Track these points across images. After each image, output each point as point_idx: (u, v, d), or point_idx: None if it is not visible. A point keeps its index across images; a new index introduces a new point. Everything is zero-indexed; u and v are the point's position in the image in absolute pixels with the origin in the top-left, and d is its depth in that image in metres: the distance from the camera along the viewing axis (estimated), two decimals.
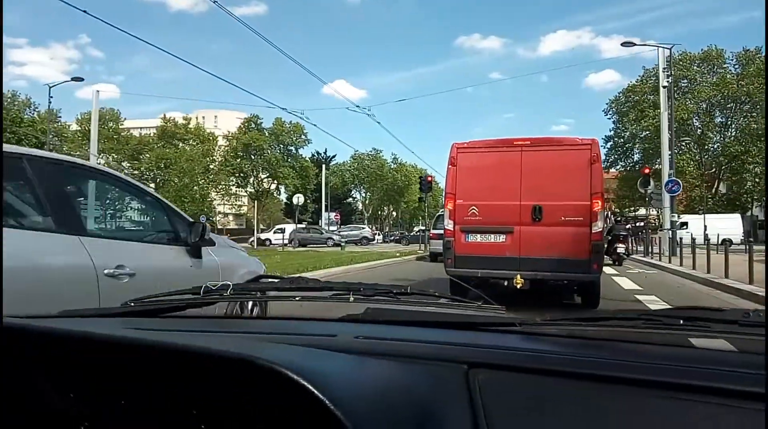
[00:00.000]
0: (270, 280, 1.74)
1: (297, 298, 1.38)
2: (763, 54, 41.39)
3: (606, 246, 13.71)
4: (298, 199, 31.20)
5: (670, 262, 15.74)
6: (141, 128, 62.54)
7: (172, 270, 3.68)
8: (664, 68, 20.12)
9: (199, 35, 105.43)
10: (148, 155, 53.89)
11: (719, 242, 13.75)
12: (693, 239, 14.37)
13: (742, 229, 29.25)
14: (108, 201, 3.96)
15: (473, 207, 7.51)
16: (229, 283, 1.41)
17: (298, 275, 1.82)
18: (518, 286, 7.10)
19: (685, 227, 20.56)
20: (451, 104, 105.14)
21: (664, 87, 20.12)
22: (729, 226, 29.36)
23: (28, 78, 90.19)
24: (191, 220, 3.95)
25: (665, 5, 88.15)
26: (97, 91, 27.01)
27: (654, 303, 7.99)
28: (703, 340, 1.02)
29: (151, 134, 58.06)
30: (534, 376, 0.82)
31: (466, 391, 0.77)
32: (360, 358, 0.86)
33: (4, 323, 0.82)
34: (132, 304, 1.40)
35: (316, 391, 0.62)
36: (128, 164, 55.25)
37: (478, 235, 7.52)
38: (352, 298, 1.33)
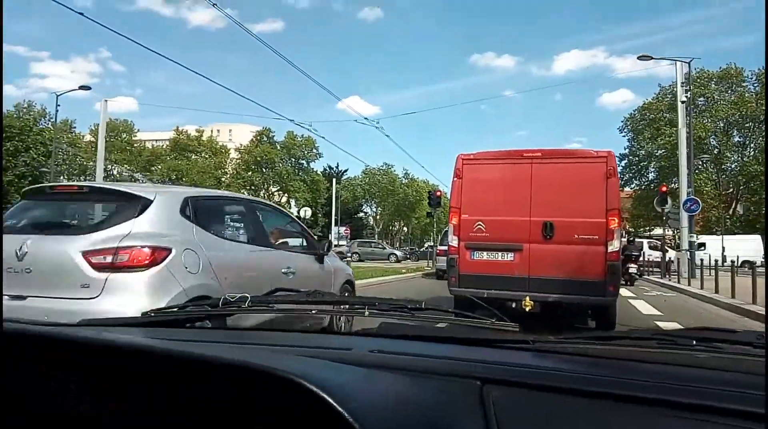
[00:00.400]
0: (287, 292, 1.73)
1: (313, 312, 1.44)
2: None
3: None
4: (305, 212, 30.79)
5: (689, 284, 15.01)
6: (156, 140, 62.69)
7: (311, 270, 5.54)
8: (683, 83, 19.47)
9: (217, 51, 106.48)
10: (160, 167, 54.04)
11: (739, 264, 12.97)
12: (715, 261, 13.67)
13: (763, 251, 28.24)
14: (270, 222, 5.74)
15: (479, 222, 6.96)
16: (247, 295, 1.45)
17: (314, 289, 1.73)
18: (527, 309, 6.51)
19: (702, 248, 19.78)
20: (464, 120, 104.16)
21: (682, 102, 19.46)
22: (749, 247, 28.39)
23: (48, 90, 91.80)
24: (317, 237, 5.64)
25: (679, 26, 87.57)
26: (105, 100, 26.87)
27: None
28: (716, 360, 1.00)
29: (164, 146, 58.28)
30: (547, 394, 0.82)
31: (480, 407, 0.78)
32: (375, 372, 0.88)
33: (23, 330, 0.90)
34: (152, 314, 1.44)
35: (334, 403, 0.64)
36: (141, 175, 55.56)
37: (485, 253, 6.96)
38: (367, 313, 1.35)
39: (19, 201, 4.72)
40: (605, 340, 1.12)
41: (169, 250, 3.78)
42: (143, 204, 3.93)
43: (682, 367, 0.98)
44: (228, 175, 56.18)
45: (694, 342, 1.04)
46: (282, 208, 6.19)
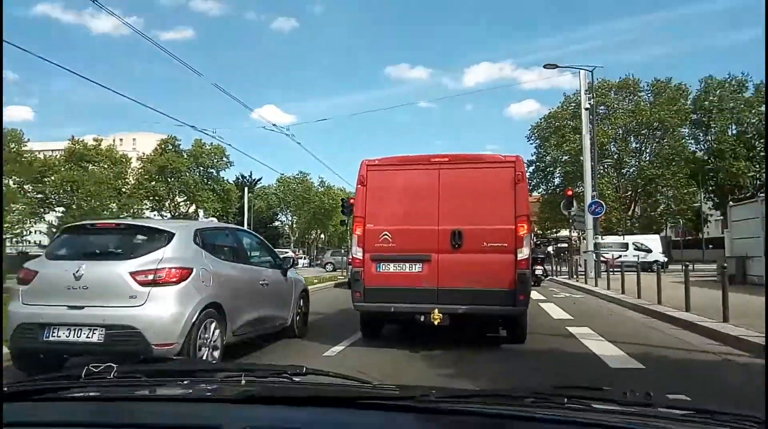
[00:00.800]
0: (163, 360, 1.44)
1: (185, 382, 1.35)
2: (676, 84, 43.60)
3: None
4: (211, 222, 29.31)
5: (596, 285, 15.27)
6: (52, 151, 58.12)
7: (279, 282, 6.96)
8: (586, 90, 20.06)
9: (124, 59, 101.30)
10: (53, 178, 50.16)
11: (639, 262, 13.35)
12: (621, 262, 13.91)
13: (661, 249, 29.75)
14: (249, 245, 7.01)
15: (385, 232, 6.46)
16: (113, 365, 1.38)
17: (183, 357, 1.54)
18: (436, 323, 6.06)
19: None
20: (382, 130, 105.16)
21: (586, 109, 20.03)
22: (651, 247, 29.79)
23: None
24: (280, 255, 7.72)
25: (582, 40, 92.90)
26: None
27: (590, 338, 7.13)
28: (585, 417, 1.05)
29: (57, 157, 54.20)
30: None
31: None
32: None
33: None
34: (6, 388, 1.31)
35: None
36: (31, 187, 51.31)
37: (391, 265, 6.46)
38: (243, 381, 1.30)
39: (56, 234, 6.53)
40: (485, 398, 1.15)
41: (191, 270, 5.24)
42: (168, 236, 5.36)
43: (553, 424, 1.03)
44: (129, 186, 52.97)
45: (566, 400, 1.09)
46: (255, 233, 7.97)
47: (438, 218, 6.30)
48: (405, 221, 6.43)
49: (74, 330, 4.87)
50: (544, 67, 21.65)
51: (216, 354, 5.36)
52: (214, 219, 32.07)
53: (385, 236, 6.44)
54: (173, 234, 5.37)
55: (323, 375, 1.38)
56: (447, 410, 1.08)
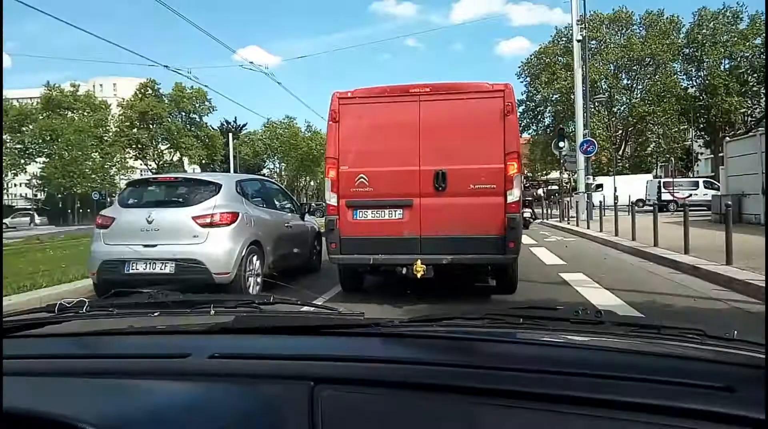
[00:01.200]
0: (132, 292, 1.63)
1: (156, 313, 1.37)
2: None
3: None
4: (193, 170, 28.53)
5: (588, 227, 14.83)
6: (30, 98, 55.99)
7: (299, 225, 8.10)
8: (578, 20, 19.01)
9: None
10: (31, 127, 48.63)
11: (631, 203, 12.79)
12: (614, 202, 13.42)
13: (645, 189, 29.28)
14: (275, 193, 8.39)
15: (361, 175, 5.81)
16: (85, 300, 1.40)
17: (157, 290, 1.53)
18: (418, 275, 5.52)
19: (600, 189, 19.90)
20: (367, 70, 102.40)
21: (578, 40, 19.06)
22: (640, 186, 29.43)
23: None
24: (299, 203, 9.80)
25: None
26: None
27: (585, 285, 6.66)
28: (538, 336, 1.09)
29: (34, 104, 52.37)
30: (379, 389, 0.84)
31: (309, 411, 0.78)
32: (205, 387, 0.89)
33: None
34: None
35: None
36: (9, 137, 49.78)
37: (369, 212, 5.85)
38: (213, 312, 1.33)
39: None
40: (443, 321, 1.17)
41: (238, 214, 6.30)
42: (217, 186, 6.45)
43: (506, 343, 1.07)
44: (111, 133, 51.47)
45: (521, 320, 1.14)
46: (278, 183, 9.16)
47: (419, 158, 5.65)
48: (383, 162, 5.77)
49: (150, 263, 6.02)
50: None
51: (259, 280, 6.53)
52: (197, 167, 31.41)
53: (362, 179, 5.79)
54: (221, 185, 6.54)
55: (291, 304, 1.40)
56: (408, 334, 1.12)
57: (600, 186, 20.51)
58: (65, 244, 16.51)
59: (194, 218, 6.07)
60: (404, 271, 5.65)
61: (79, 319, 1.36)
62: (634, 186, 28.68)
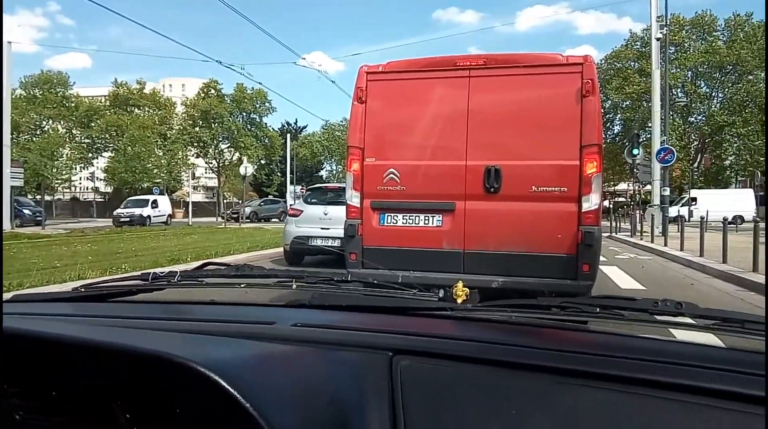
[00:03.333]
0: (217, 267, 1.65)
1: (242, 286, 1.43)
2: (763, 21, 39.05)
3: None
4: (246, 169, 28.11)
5: (666, 244, 13.07)
6: (102, 97, 57.78)
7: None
8: (658, 17, 17.17)
9: (178, 6, 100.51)
10: (99, 122, 49.92)
11: (724, 220, 10.64)
12: (701, 218, 11.61)
13: (755, 205, 26.30)
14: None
15: (391, 170, 4.67)
16: (176, 270, 1.47)
17: (244, 263, 1.82)
18: (459, 301, 4.24)
19: (694, 203, 17.84)
20: None
21: (657, 39, 17.21)
22: (739, 201, 26.56)
23: None
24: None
25: None
26: (9, 42, 23.18)
27: (671, 329, 5.22)
28: (617, 326, 1.07)
29: (102, 100, 53.90)
30: (454, 363, 0.86)
31: (388, 378, 0.81)
32: (290, 348, 0.91)
33: None
34: (83, 289, 1.44)
35: (223, 383, 0.67)
36: (79, 132, 51.36)
37: (399, 216, 4.69)
38: (294, 286, 1.38)
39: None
40: (519, 307, 1.17)
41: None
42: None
43: (585, 333, 1.05)
44: (174, 131, 52.27)
45: (598, 309, 1.11)
46: (340, 185, 10.29)
47: (466, 150, 4.46)
48: (419, 154, 4.63)
49: (324, 240, 9.07)
50: None
51: None
52: (249, 166, 31.46)
53: (392, 176, 4.65)
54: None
55: (368, 283, 1.43)
56: (484, 318, 1.14)
57: (694, 199, 18.36)
58: (104, 237, 16.13)
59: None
60: (441, 293, 4.44)
61: (171, 288, 1.46)
62: (725, 200, 26.05)
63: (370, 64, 4.81)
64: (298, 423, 0.68)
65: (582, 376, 0.79)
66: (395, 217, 4.68)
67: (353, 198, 4.76)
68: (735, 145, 41.14)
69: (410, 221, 4.63)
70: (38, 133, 50.12)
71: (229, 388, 0.66)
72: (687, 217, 12.51)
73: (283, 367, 0.82)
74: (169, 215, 34.67)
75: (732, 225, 10.95)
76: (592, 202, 4.24)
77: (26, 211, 27.69)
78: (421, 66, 4.72)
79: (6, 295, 1.37)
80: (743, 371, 0.77)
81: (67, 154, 49.52)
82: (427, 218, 4.59)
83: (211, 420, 0.72)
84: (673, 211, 21.90)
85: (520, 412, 0.75)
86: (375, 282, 1.44)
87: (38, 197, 42.24)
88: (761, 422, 0.67)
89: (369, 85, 4.71)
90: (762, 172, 43.51)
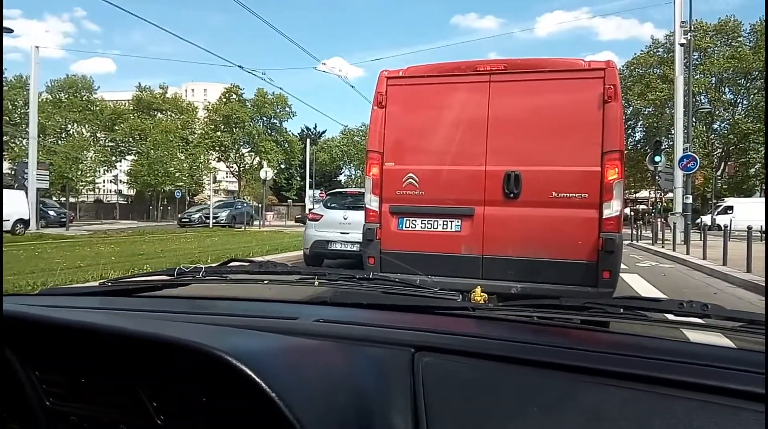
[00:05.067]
0: (241, 263, 1.67)
1: (265, 282, 1.44)
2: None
3: None
4: (266, 173, 28.31)
5: (688, 253, 12.89)
6: (126, 101, 58.71)
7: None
8: (682, 22, 16.98)
9: (199, 10, 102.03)
10: (122, 125, 50.72)
11: (748, 228, 10.31)
12: (724, 226, 11.45)
13: None
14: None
15: (410, 175, 4.70)
16: (201, 266, 1.49)
17: (267, 259, 2.05)
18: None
19: (730, 212, 17.51)
20: None
21: (681, 44, 17.00)
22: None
23: (22, 51, 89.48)
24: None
25: None
26: (37, 47, 23.68)
27: (698, 329, 5.15)
28: (640, 327, 1.07)
29: (125, 104, 54.73)
30: (476, 360, 0.86)
31: (410, 374, 0.82)
32: (313, 342, 0.92)
33: None
34: (109, 283, 1.49)
35: (250, 373, 0.68)
36: (103, 135, 52.21)
37: (418, 221, 4.71)
38: (317, 283, 1.39)
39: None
40: (541, 307, 1.16)
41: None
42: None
43: (608, 333, 1.04)
44: (196, 135, 52.89)
45: (622, 310, 1.10)
46: (359, 190, 10.06)
47: (486, 155, 4.47)
48: (438, 159, 4.64)
49: (344, 244, 9.17)
50: None
51: None
52: (269, 170, 31.90)
53: (410, 180, 4.67)
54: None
55: (389, 281, 1.43)
56: (504, 318, 1.13)
57: (730, 208, 17.98)
58: (126, 238, 16.36)
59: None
60: (459, 298, 4.44)
61: (196, 283, 1.46)
62: (757, 209, 25.56)
63: (391, 69, 4.86)
64: (322, 415, 0.69)
65: (605, 375, 0.79)
66: (414, 222, 4.70)
67: (372, 202, 4.80)
68: (761, 153, 40.38)
69: (429, 226, 4.65)
70: (63, 136, 51.11)
71: (255, 377, 0.67)
72: (729, 227, 12.13)
73: (307, 360, 0.83)
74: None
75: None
76: (613, 208, 4.21)
77: (51, 213, 28.17)
78: (441, 71, 4.76)
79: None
80: None
81: (91, 157, 50.40)
82: (445, 223, 4.60)
83: (236, 409, 0.73)
84: (707, 220, 21.45)
85: (542, 409, 0.74)
86: (396, 280, 1.44)
87: (63, 199, 43.08)
88: None
89: (389, 90, 4.75)
90: None
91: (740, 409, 0.70)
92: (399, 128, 4.73)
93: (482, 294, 4.00)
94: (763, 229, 14.61)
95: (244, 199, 55.70)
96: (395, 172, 4.71)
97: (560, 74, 4.47)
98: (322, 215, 9.84)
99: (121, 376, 0.82)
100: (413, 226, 4.70)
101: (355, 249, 8.58)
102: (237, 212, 31.02)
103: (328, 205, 10.18)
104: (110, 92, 65.90)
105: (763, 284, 7.64)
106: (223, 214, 30.40)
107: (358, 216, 9.14)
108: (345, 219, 9.27)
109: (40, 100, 47.27)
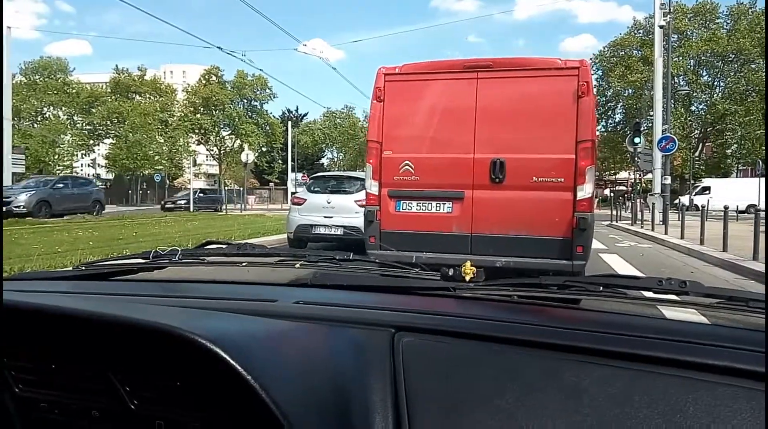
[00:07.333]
0: (218, 245, 1.66)
1: (244, 264, 1.43)
2: (761, 9, 39.00)
3: None
4: (247, 156, 28.24)
5: (666, 233, 13.27)
6: (103, 83, 57.72)
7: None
8: (662, 4, 17.24)
9: None
10: (100, 108, 49.97)
11: (724, 208, 10.52)
12: (701, 206, 11.80)
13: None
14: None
15: (406, 162, 5.17)
16: (178, 248, 1.47)
17: (245, 241, 1.92)
18: (467, 278, 4.46)
19: (707, 193, 17.96)
20: None
21: (660, 27, 17.30)
22: (751, 190, 26.71)
23: None
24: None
25: None
26: (9, 27, 23.22)
27: (673, 307, 5.40)
28: (618, 305, 1.08)
29: (103, 86, 53.86)
30: (456, 339, 0.87)
31: (390, 354, 0.82)
32: (292, 324, 0.92)
33: None
34: (83, 268, 1.47)
35: (225, 356, 0.68)
36: (80, 118, 51.42)
37: (414, 203, 5.14)
38: (298, 265, 1.40)
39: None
40: (521, 286, 1.16)
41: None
42: (362, 181, 8.06)
43: (587, 311, 1.07)
44: (175, 118, 52.28)
45: (601, 288, 1.09)
46: (350, 174, 10.87)
47: (474, 144, 4.94)
48: (432, 148, 5.11)
49: (327, 228, 9.16)
50: None
51: None
52: (250, 153, 31.62)
53: (407, 167, 5.15)
54: (362, 179, 8.19)
55: (369, 262, 1.44)
56: (485, 297, 1.14)
57: (707, 189, 18.50)
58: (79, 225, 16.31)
59: (356, 201, 8.72)
60: (450, 272, 4.68)
61: (172, 266, 1.45)
62: (738, 189, 26.21)
63: (388, 66, 5.30)
64: (299, 397, 0.70)
65: (584, 353, 0.80)
66: (410, 204, 5.16)
67: (372, 187, 5.29)
68: (737, 134, 41.19)
69: (423, 208, 5.13)
70: (39, 119, 50.27)
71: (231, 361, 0.67)
72: (706, 207, 12.47)
73: (286, 342, 0.83)
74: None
75: (745, 214, 11.08)
76: (585, 191, 4.74)
77: None
78: (434, 68, 5.24)
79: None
80: (746, 348, 0.78)
81: (68, 141, 49.71)
82: (438, 205, 5.09)
83: (211, 392, 0.74)
84: (685, 200, 21.85)
85: (522, 388, 0.75)
86: (377, 261, 1.46)
87: None
88: (762, 398, 0.69)
89: (386, 86, 5.20)
90: (764, 160, 43.67)
91: (717, 384, 0.72)
92: (396, 120, 5.16)
93: (471, 267, 4.26)
94: (739, 209, 15.02)
95: (225, 182, 55.50)
96: (393, 160, 5.16)
97: (540, 72, 4.96)
98: (305, 199, 9.73)
99: (93, 361, 0.82)
100: (409, 208, 5.16)
101: (339, 233, 8.84)
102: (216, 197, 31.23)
103: (312, 188, 10.09)
104: (87, 74, 64.71)
105: (739, 263, 7.98)
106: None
107: (341, 200, 9.17)
108: (328, 202, 9.22)
109: (14, 82, 46.47)
